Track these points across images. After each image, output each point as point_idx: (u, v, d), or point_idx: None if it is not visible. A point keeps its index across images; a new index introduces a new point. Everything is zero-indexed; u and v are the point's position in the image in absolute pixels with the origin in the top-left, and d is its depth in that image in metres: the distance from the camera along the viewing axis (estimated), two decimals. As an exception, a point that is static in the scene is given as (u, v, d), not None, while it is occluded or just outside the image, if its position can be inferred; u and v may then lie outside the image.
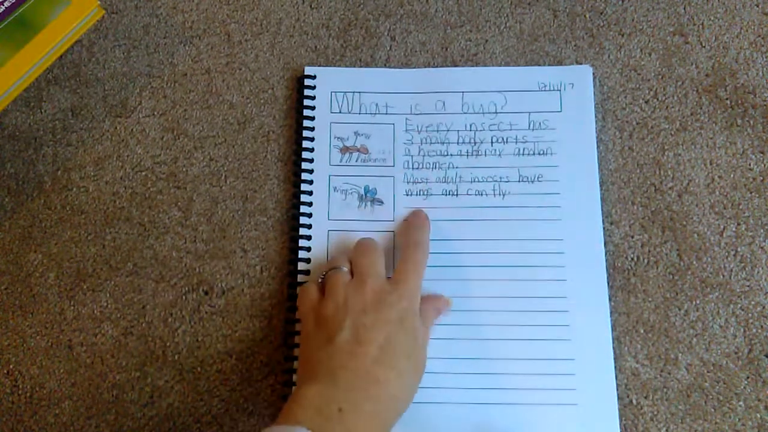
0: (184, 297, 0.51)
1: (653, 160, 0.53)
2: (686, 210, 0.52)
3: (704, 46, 0.55)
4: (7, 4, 0.49)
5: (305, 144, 0.53)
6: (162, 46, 0.56)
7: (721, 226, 0.51)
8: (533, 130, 0.53)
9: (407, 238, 0.49)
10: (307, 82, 0.54)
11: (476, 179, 0.52)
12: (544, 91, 0.54)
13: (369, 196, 0.52)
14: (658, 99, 0.54)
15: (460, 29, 0.56)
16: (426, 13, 0.57)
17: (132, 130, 0.54)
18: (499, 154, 0.53)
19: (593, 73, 0.54)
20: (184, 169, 0.53)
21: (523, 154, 0.52)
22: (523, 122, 0.53)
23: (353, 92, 0.54)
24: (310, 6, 0.57)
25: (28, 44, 0.49)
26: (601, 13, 0.56)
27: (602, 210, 0.51)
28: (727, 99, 0.54)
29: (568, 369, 0.48)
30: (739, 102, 0.54)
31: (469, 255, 0.50)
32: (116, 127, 0.54)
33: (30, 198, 0.53)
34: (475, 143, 0.53)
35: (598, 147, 0.53)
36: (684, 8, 0.56)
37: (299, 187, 0.52)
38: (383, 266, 0.47)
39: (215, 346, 0.50)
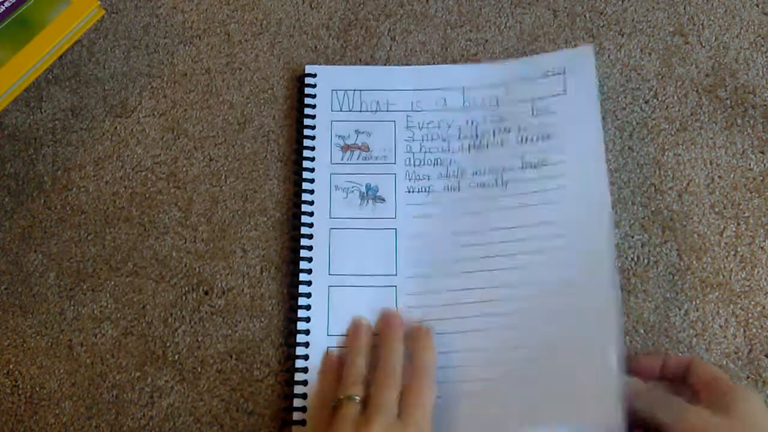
0: (184, 297, 0.51)
1: (653, 160, 0.53)
2: (686, 210, 0.52)
3: (704, 46, 0.55)
4: (7, 4, 0.49)
5: (306, 142, 0.53)
6: (162, 46, 0.56)
7: (721, 226, 0.51)
8: (536, 116, 0.52)
9: (414, 360, 0.45)
10: (307, 80, 0.54)
11: (478, 172, 0.52)
12: (547, 77, 0.53)
13: (370, 194, 0.52)
14: (658, 99, 0.54)
15: (460, 29, 0.56)
16: (426, 13, 0.57)
17: (132, 130, 0.54)
18: (502, 144, 0.52)
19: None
20: (184, 169, 0.53)
21: (526, 142, 0.51)
22: (525, 110, 0.52)
23: (354, 90, 0.54)
24: (310, 6, 0.57)
25: (28, 44, 0.49)
26: (601, 13, 0.56)
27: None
28: (727, 99, 0.54)
29: (572, 359, 0.47)
30: (739, 102, 0.54)
31: (471, 248, 0.50)
32: (116, 127, 0.54)
33: (30, 198, 0.53)
34: (476, 137, 0.53)
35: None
36: (684, 8, 0.56)
37: (300, 186, 0.52)
38: (398, 387, 0.43)
39: (215, 346, 0.50)
